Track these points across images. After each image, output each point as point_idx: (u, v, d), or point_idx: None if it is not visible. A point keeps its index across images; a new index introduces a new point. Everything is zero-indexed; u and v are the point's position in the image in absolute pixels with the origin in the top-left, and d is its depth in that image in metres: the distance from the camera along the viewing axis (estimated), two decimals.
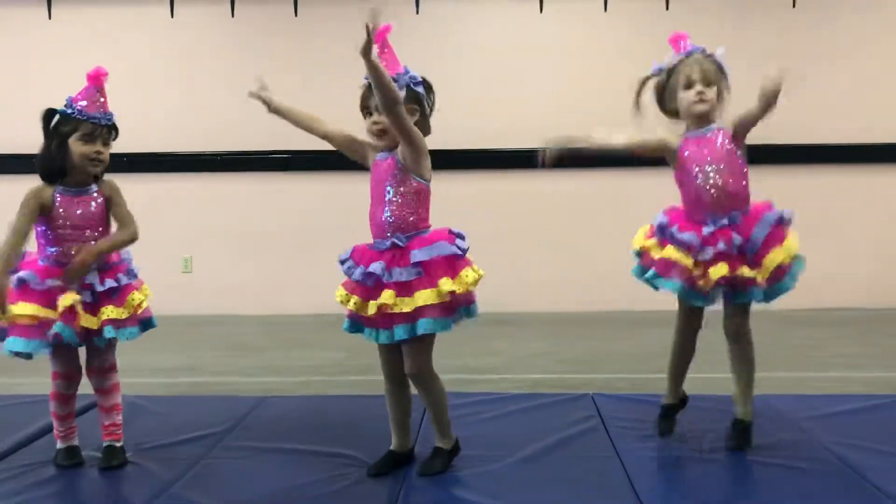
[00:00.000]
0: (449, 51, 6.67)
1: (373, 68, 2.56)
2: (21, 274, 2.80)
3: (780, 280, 2.95)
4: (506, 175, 6.69)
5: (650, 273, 2.95)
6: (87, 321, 2.82)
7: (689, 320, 3.07)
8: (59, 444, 3.01)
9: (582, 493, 2.68)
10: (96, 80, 2.94)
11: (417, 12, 6.86)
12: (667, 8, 6.83)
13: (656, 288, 2.98)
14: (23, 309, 2.75)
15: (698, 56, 3.02)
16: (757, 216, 2.97)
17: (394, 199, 2.75)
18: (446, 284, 2.66)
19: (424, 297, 2.66)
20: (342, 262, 2.85)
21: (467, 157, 6.53)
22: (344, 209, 7.00)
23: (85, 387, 3.06)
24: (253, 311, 6.91)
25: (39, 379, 4.50)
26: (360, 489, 2.74)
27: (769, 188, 6.37)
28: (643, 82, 3.10)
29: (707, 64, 2.99)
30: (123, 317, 2.87)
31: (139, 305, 2.93)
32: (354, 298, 2.76)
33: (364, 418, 3.47)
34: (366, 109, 2.81)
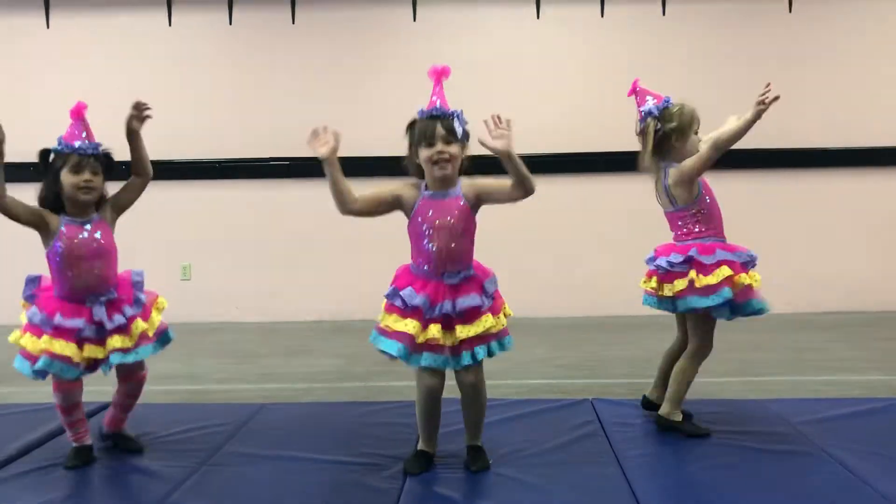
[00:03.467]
0: (446, 57, 6.62)
1: (331, 177, 2.81)
2: (44, 316, 2.96)
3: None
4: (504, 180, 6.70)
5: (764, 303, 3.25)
6: (93, 352, 2.99)
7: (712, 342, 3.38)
8: (73, 444, 3.13)
9: (582, 498, 2.69)
10: (77, 114, 3.06)
11: (414, 19, 6.89)
12: (663, 13, 6.86)
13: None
14: (62, 348, 2.93)
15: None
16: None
17: (464, 236, 2.90)
18: (507, 308, 3.03)
19: (503, 319, 2.98)
20: (404, 298, 2.84)
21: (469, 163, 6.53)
22: (344, 217, 7.03)
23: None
24: (252, 319, 6.92)
25: (34, 388, 4.52)
26: (360, 496, 2.74)
27: (766, 192, 6.40)
28: (655, 133, 3.31)
29: None
30: (129, 345, 3.03)
31: (145, 331, 3.09)
32: (434, 328, 2.83)
33: (364, 425, 3.48)
34: (427, 140, 2.85)
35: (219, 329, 6.59)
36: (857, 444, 3.09)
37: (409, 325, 2.83)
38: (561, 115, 6.75)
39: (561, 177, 6.82)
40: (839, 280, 6.83)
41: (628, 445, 3.15)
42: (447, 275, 2.87)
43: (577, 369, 4.97)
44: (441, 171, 2.87)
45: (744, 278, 3.19)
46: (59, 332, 2.95)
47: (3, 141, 2.88)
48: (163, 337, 3.19)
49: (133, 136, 3.13)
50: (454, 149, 2.87)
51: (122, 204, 3.16)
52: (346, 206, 2.88)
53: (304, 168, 6.86)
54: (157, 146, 6.46)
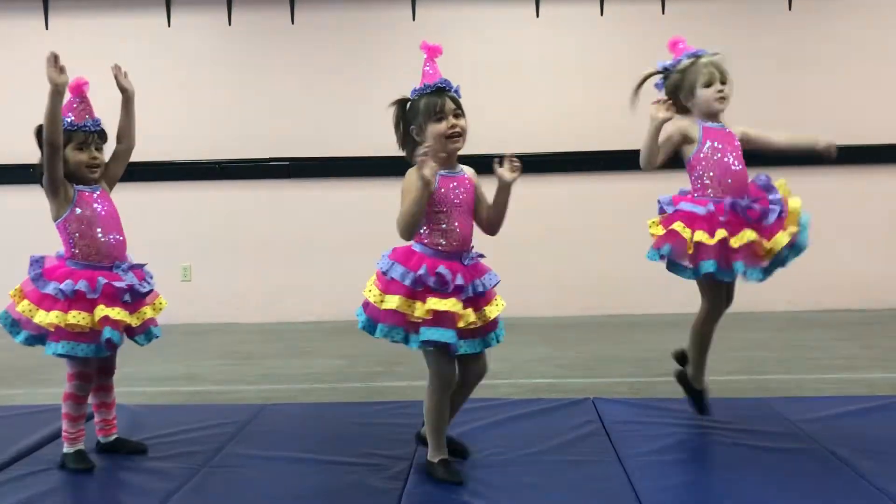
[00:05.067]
0: (445, 56, 6.67)
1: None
2: (64, 286, 2.88)
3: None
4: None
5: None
6: (131, 319, 2.99)
7: (720, 303, 3.24)
8: (68, 448, 3.05)
9: (583, 497, 2.68)
10: (78, 91, 3.06)
11: (414, 18, 6.88)
12: (663, 12, 6.85)
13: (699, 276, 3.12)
14: (76, 318, 2.86)
15: (711, 57, 3.24)
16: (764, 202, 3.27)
17: (471, 215, 2.89)
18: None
19: (502, 301, 2.87)
20: (445, 277, 2.69)
21: (466, 162, 6.54)
22: (344, 217, 7.04)
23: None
24: (253, 319, 6.91)
25: (32, 389, 4.52)
26: (361, 497, 2.74)
27: None
28: (646, 77, 3.31)
29: (721, 64, 3.23)
30: (155, 316, 3.10)
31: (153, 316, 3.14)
32: (468, 311, 2.73)
33: (365, 426, 3.48)
34: (437, 115, 2.78)
35: (219, 330, 6.58)
36: (860, 442, 3.08)
37: (453, 307, 2.66)
38: (561, 113, 6.74)
39: (561, 175, 6.81)
40: (842, 278, 6.81)
41: (630, 444, 3.14)
42: (464, 255, 2.81)
43: (578, 368, 4.96)
44: (454, 145, 2.82)
45: (697, 234, 3.04)
46: (78, 300, 2.86)
47: (65, 85, 2.88)
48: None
49: (128, 100, 3.15)
50: (464, 122, 2.82)
51: (112, 175, 3.14)
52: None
53: (305, 169, 6.87)
54: (157, 147, 6.49)
